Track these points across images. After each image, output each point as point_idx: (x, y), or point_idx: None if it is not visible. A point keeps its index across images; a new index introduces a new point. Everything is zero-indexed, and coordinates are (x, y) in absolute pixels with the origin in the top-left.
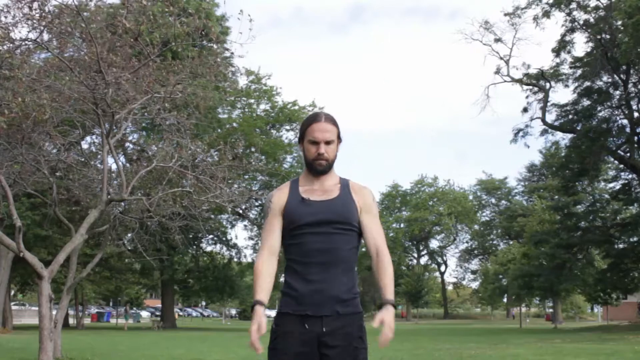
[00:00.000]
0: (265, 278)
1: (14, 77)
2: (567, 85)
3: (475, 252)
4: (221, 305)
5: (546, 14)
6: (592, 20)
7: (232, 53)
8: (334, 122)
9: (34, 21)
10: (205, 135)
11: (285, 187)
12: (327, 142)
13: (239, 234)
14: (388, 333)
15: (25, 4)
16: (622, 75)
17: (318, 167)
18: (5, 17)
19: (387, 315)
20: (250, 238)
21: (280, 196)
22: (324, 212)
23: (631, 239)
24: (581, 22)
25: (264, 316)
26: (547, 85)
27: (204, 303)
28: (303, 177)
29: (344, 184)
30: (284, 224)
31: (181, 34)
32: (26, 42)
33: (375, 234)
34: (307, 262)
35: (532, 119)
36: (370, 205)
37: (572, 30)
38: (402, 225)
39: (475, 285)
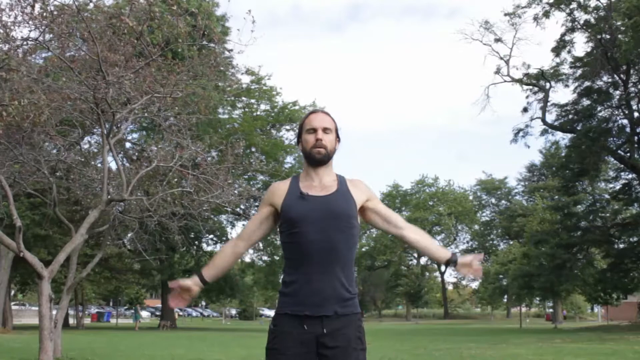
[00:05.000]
0: (220, 255)
1: (12, 79)
2: (567, 85)
3: (476, 252)
4: (221, 305)
5: (546, 14)
6: (592, 20)
7: (231, 54)
8: (331, 116)
9: (36, 21)
10: (206, 137)
11: (287, 181)
12: (325, 130)
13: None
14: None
15: (28, 3)
16: (622, 75)
17: (317, 155)
18: (9, 15)
19: (466, 257)
20: None
21: (279, 188)
22: (323, 207)
23: (631, 239)
24: (581, 22)
25: (192, 281)
26: (547, 85)
27: (204, 303)
28: (303, 174)
29: (341, 180)
30: (281, 220)
31: (182, 34)
32: (27, 41)
33: (392, 213)
34: (305, 260)
35: (532, 119)
36: (372, 193)
37: (572, 30)
38: None
39: (475, 285)
